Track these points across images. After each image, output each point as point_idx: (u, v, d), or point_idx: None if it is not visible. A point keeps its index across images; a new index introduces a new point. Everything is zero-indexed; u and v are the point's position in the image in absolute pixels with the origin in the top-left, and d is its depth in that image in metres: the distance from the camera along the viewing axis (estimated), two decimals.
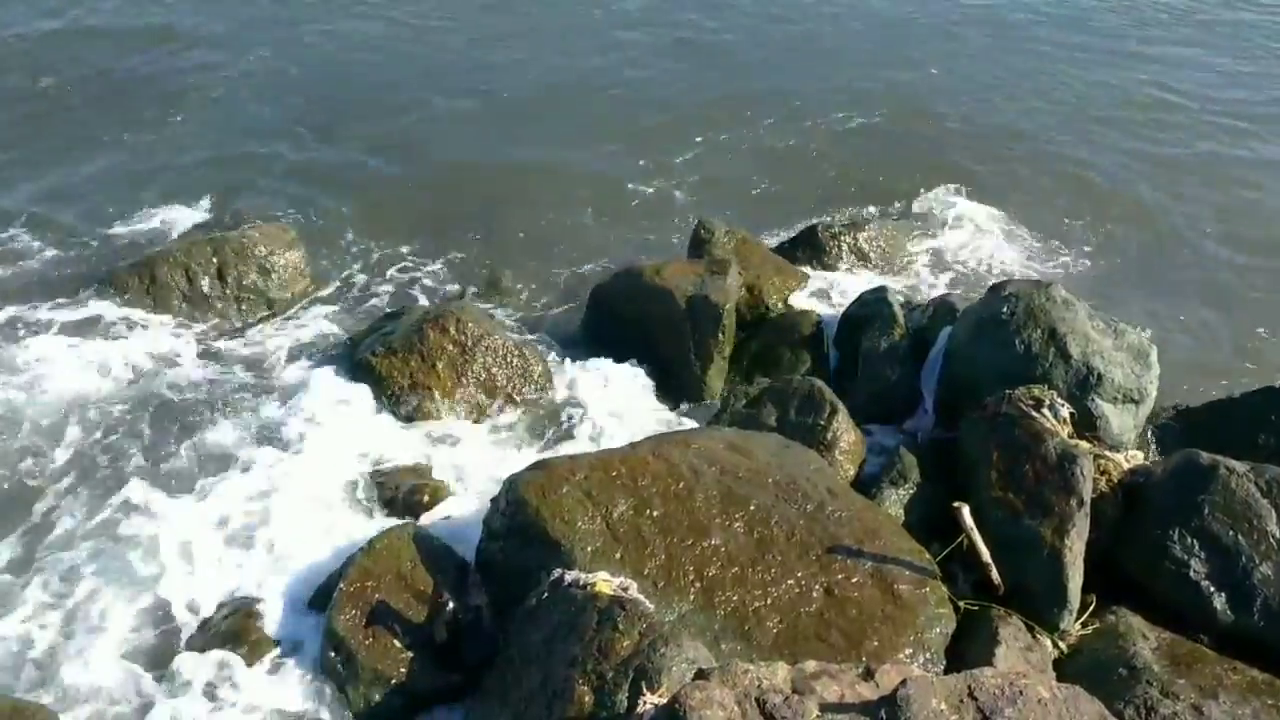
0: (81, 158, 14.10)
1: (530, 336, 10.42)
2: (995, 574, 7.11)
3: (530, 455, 9.02)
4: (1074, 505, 7.19)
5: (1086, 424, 8.23)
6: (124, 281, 10.58)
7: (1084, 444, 7.87)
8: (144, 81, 16.55)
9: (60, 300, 10.76)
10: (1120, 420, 8.37)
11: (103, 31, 18.37)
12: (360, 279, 11.78)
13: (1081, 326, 8.57)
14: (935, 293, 11.79)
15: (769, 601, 6.59)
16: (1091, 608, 7.17)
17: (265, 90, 16.49)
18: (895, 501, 7.93)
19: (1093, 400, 8.30)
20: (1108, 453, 7.94)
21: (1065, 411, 8.04)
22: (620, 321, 10.40)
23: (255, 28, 19.05)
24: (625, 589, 6.32)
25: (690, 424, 9.41)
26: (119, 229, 12.39)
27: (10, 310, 10.58)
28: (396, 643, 6.74)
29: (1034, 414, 7.80)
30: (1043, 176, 15.09)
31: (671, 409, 9.74)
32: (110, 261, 11.36)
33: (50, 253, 11.75)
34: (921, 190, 14.47)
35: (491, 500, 7.48)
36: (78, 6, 19.35)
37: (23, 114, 15.21)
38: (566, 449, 9.12)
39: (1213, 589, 7.03)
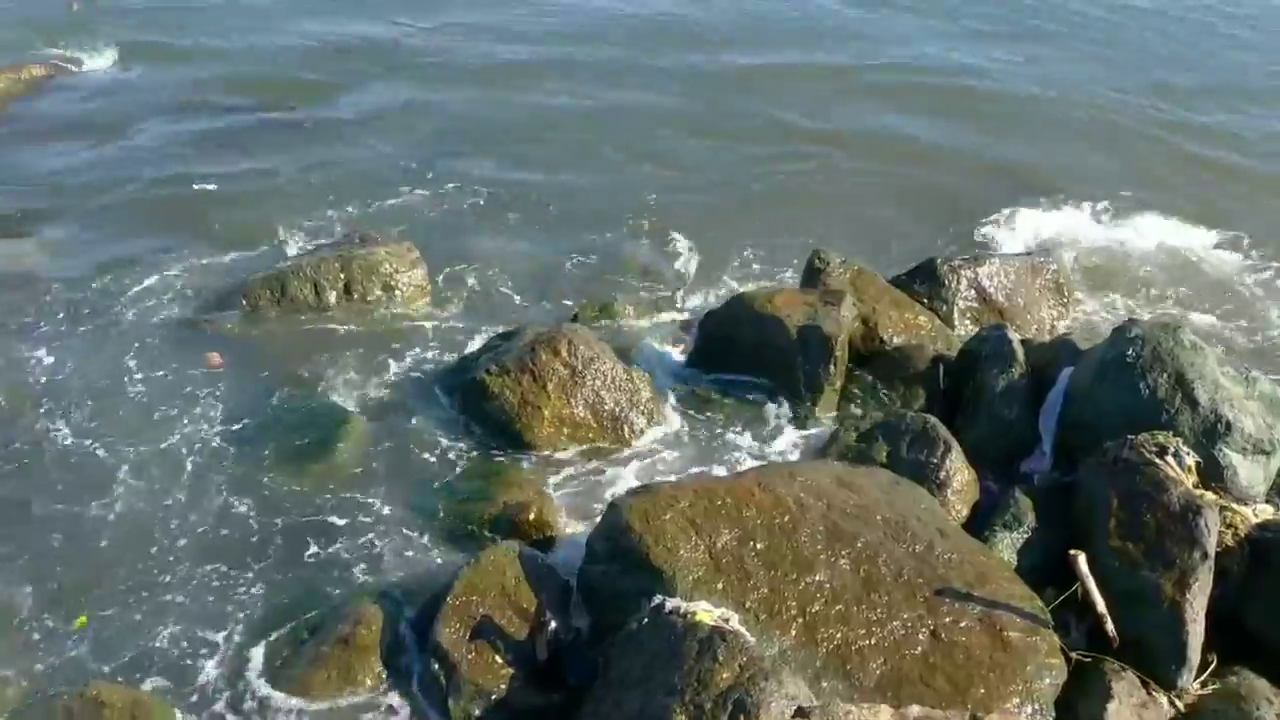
0: (226, 172, 14.79)
1: (639, 361, 10.47)
2: (1110, 626, 6.88)
3: (635, 479, 9.07)
4: (1197, 558, 6.91)
5: (1213, 474, 7.91)
6: (256, 294, 11.01)
7: (1210, 495, 7.56)
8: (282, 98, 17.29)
9: (196, 309, 11.29)
10: (1249, 472, 8.03)
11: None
12: (478, 299, 12.03)
13: (1211, 372, 8.25)
14: (1057, 331, 11.51)
15: (873, 641, 6.49)
16: (1212, 667, 6.88)
17: (399, 117, 17.06)
18: (1008, 545, 7.73)
19: (1220, 450, 7.98)
20: (1235, 505, 7.62)
21: (1191, 460, 7.75)
22: (731, 349, 10.39)
23: (401, 54, 19.74)
24: (726, 620, 6.31)
25: (798, 456, 9.35)
26: (251, 246, 12.95)
27: (150, 319, 11.13)
28: (498, 659, 6.83)
29: (1157, 461, 7.53)
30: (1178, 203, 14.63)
31: (779, 440, 9.68)
32: (242, 275, 11.84)
33: (188, 264, 12.29)
34: (1045, 226, 14.23)
35: (596, 523, 7.55)
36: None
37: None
38: (671, 475, 9.14)
39: None
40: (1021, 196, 15.01)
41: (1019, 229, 14.30)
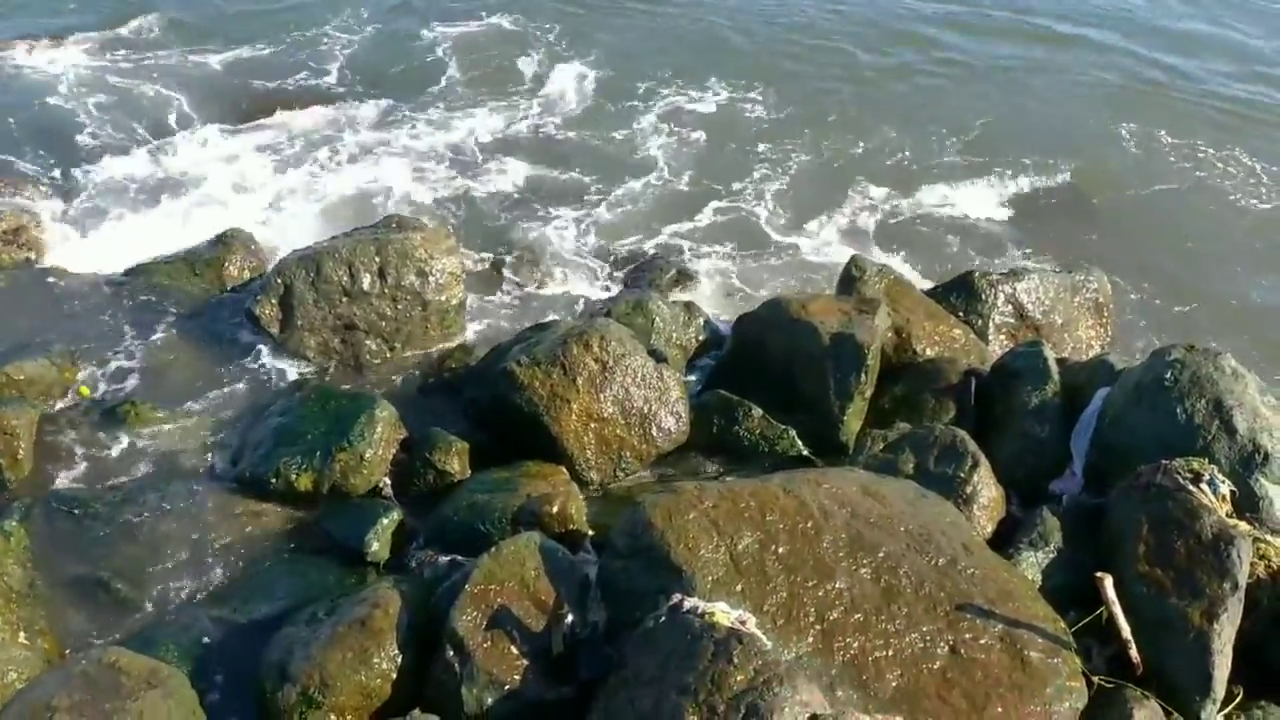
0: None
1: (671, 359, 10.42)
2: (1135, 652, 6.77)
3: (660, 478, 9.03)
4: (1227, 588, 6.79)
5: (1248, 504, 7.75)
6: (291, 273, 11.01)
7: (1243, 525, 7.41)
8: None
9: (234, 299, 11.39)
10: None
11: None
12: (513, 290, 12.05)
13: (1250, 400, 8.11)
14: (1094, 351, 11.37)
15: (890, 653, 6.41)
16: (1237, 700, 6.75)
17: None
18: (1033, 565, 7.63)
19: (1257, 480, 7.83)
20: (1269, 537, 7.47)
21: (1225, 489, 7.60)
22: (762, 352, 10.33)
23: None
24: (743, 622, 6.25)
25: (824, 463, 9.28)
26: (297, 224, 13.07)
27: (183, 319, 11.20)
28: (513, 649, 6.80)
29: (1190, 488, 7.40)
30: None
31: (806, 446, 9.60)
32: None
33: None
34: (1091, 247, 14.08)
35: (619, 518, 7.52)
36: None
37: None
38: (697, 475, 9.10)
39: None
40: None
41: None
